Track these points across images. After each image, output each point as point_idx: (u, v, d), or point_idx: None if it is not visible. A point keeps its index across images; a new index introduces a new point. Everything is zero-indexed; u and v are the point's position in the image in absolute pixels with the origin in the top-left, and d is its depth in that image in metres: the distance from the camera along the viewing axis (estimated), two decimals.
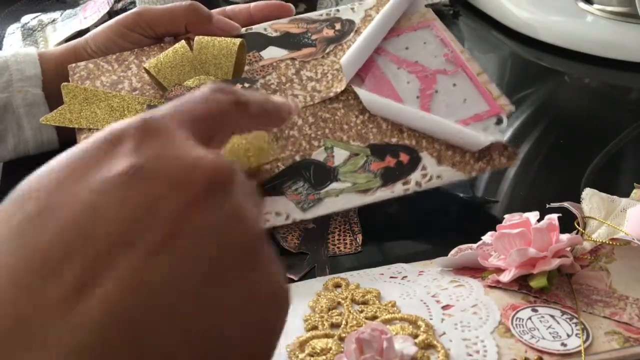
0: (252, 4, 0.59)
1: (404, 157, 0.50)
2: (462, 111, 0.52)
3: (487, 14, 0.85)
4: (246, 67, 0.54)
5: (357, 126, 0.51)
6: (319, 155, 0.50)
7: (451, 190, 0.55)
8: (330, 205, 0.48)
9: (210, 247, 0.20)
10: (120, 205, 0.19)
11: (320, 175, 0.49)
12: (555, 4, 0.81)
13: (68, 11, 0.81)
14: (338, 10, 0.58)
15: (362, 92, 0.52)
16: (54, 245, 0.18)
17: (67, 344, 0.17)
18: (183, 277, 0.19)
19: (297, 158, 0.49)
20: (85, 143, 0.21)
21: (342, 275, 0.42)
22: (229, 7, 0.59)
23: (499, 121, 0.52)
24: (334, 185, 0.48)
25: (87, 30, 0.70)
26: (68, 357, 0.17)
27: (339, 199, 0.48)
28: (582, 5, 0.80)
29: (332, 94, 0.52)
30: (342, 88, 0.52)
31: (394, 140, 0.51)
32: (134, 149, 0.21)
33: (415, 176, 0.49)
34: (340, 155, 0.50)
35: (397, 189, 0.49)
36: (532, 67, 0.77)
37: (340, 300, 0.38)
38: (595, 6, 0.78)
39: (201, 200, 0.20)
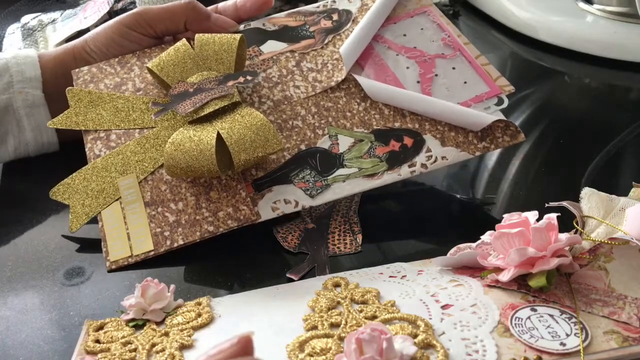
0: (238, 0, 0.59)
1: (408, 141, 0.51)
2: (463, 93, 0.53)
3: (487, 14, 0.85)
4: (247, 62, 0.54)
5: (360, 113, 0.52)
6: (323, 143, 0.51)
7: (450, 190, 0.55)
8: (338, 190, 0.49)
9: None
10: None
11: (327, 162, 0.50)
12: (555, 4, 0.81)
13: (68, 11, 0.81)
14: (334, 2, 0.59)
15: (363, 80, 0.53)
16: None
17: None
18: None
19: (303, 147, 0.50)
20: None
21: (342, 274, 0.42)
22: (220, 4, 0.59)
23: (500, 102, 0.53)
24: (341, 171, 0.49)
25: (87, 30, 0.70)
26: None
27: (346, 184, 0.49)
28: (582, 5, 0.80)
29: (333, 83, 0.53)
30: (343, 77, 0.53)
31: (397, 124, 0.51)
32: None
33: (420, 158, 0.50)
34: (344, 142, 0.51)
35: (404, 172, 0.49)
36: (532, 67, 0.77)
37: (339, 300, 0.38)
38: (595, 6, 0.78)
39: None
